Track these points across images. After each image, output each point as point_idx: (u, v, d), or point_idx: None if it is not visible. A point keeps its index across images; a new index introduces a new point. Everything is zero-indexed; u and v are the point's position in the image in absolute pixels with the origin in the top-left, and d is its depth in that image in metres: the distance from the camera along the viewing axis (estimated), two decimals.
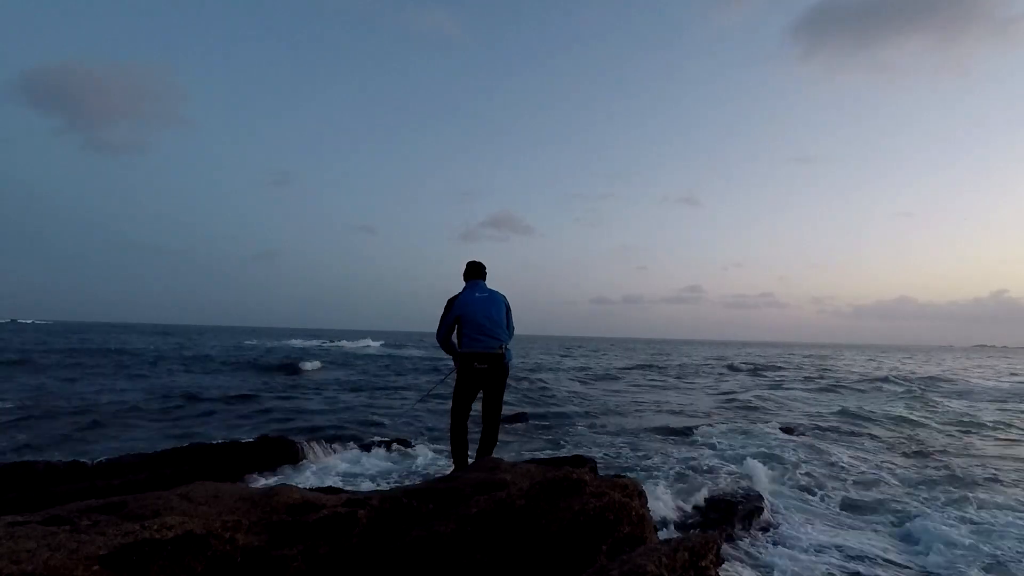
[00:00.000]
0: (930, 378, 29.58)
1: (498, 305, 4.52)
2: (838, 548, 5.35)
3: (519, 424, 12.59)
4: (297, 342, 57.36)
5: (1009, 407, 17.69)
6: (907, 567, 5.05)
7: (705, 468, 8.52)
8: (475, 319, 4.38)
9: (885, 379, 27.55)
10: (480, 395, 4.52)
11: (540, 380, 23.32)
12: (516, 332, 4.67)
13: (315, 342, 54.69)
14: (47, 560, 1.82)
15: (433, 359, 35.69)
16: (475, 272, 4.69)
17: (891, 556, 5.26)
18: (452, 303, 4.50)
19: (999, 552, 5.37)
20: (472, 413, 4.51)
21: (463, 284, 4.70)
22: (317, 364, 28.48)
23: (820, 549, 5.35)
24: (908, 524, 6.10)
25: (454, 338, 4.55)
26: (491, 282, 4.70)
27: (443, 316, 4.51)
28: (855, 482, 7.97)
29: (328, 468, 7.89)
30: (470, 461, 4.39)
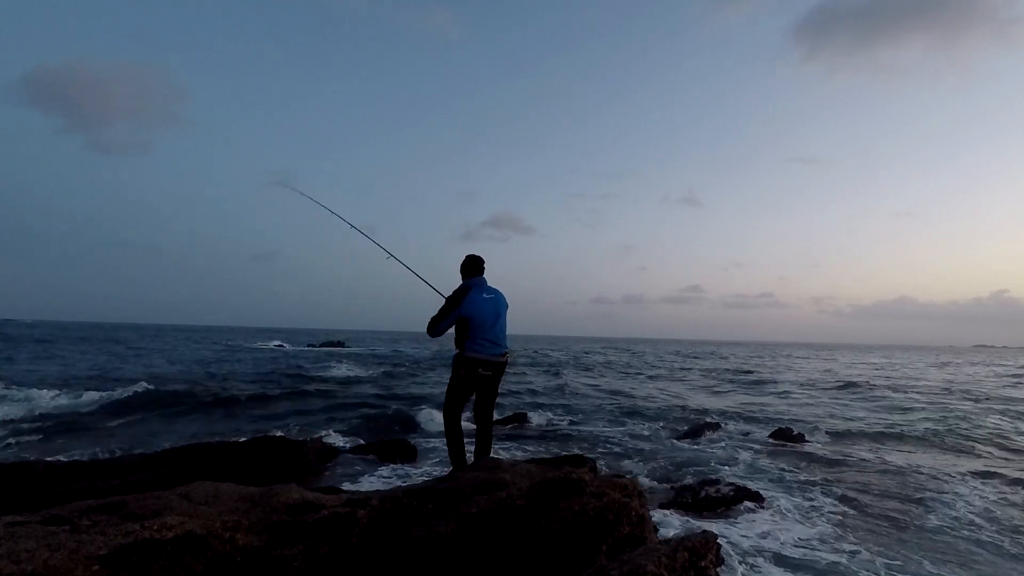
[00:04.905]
0: None
1: (502, 308, 4.39)
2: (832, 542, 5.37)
3: (519, 424, 12.59)
4: (299, 348, 57.18)
5: None
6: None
7: (707, 467, 8.52)
8: (484, 323, 4.21)
9: None
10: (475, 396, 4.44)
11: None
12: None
13: (306, 346, 54.54)
14: (47, 560, 1.82)
15: (418, 357, 35.70)
16: (476, 268, 4.46)
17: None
18: (458, 300, 4.25)
19: None
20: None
21: (460, 280, 4.46)
22: (322, 366, 28.46)
23: (813, 544, 5.35)
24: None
25: (451, 334, 4.41)
26: (491, 282, 4.57)
27: (445, 311, 4.26)
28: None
29: (328, 468, 7.89)
30: (468, 459, 4.36)
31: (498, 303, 4.38)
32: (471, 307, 4.22)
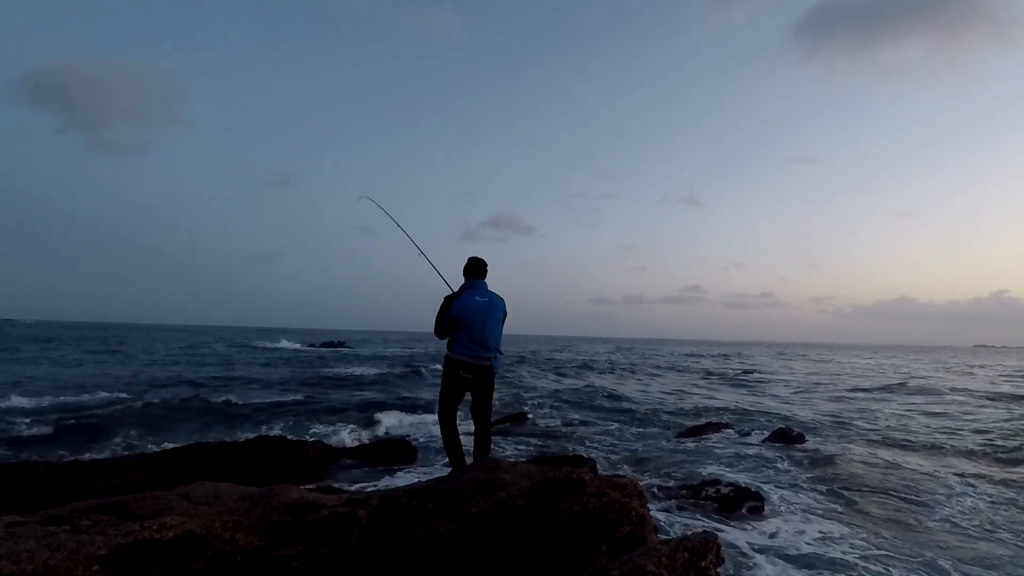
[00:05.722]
0: None
1: (496, 312, 4.39)
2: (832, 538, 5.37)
3: (519, 423, 12.58)
4: (297, 345, 57.12)
5: None
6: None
7: (708, 467, 8.52)
8: (471, 326, 4.26)
9: None
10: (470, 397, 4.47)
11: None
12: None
13: (307, 346, 54.44)
14: (47, 560, 1.82)
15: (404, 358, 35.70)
16: (476, 270, 4.52)
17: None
18: (450, 302, 4.35)
19: None
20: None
21: (462, 281, 4.55)
22: (322, 367, 28.47)
23: (814, 542, 5.35)
24: None
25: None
26: (492, 283, 4.60)
27: (440, 315, 4.37)
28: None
29: (328, 468, 7.89)
30: (467, 461, 4.38)
31: (492, 307, 4.38)
32: (460, 309, 4.30)
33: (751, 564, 4.92)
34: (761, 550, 5.25)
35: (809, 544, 5.48)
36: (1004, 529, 6.13)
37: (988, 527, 6.19)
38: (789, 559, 5.08)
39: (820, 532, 5.82)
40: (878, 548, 5.41)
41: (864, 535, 5.78)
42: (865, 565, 5.00)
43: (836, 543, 5.52)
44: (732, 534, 5.61)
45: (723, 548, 4.85)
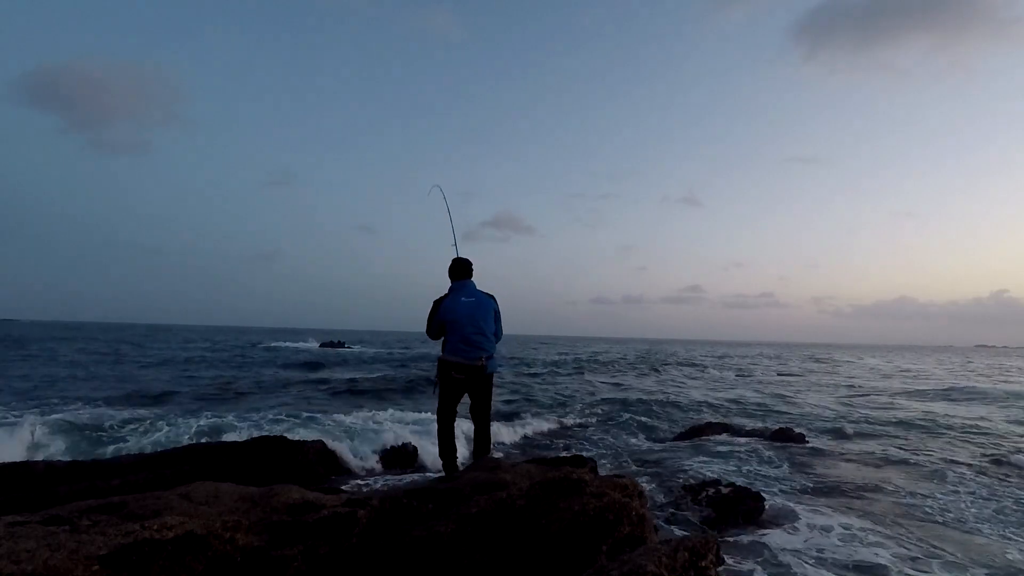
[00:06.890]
0: None
1: (485, 310, 4.36)
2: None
3: (519, 423, 12.58)
4: (306, 344, 57.10)
5: None
6: None
7: (708, 467, 8.52)
8: (460, 328, 4.25)
9: None
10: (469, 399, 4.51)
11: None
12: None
13: (310, 344, 54.45)
14: (47, 560, 1.82)
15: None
16: (462, 271, 4.50)
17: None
18: (437, 306, 4.37)
19: None
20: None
21: (451, 283, 4.56)
22: (321, 367, 28.47)
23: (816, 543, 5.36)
24: None
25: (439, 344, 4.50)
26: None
27: (429, 318, 4.43)
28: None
29: (328, 468, 7.89)
30: (460, 467, 4.39)
31: (480, 306, 4.35)
32: (446, 312, 4.32)
33: (750, 563, 4.92)
34: (759, 550, 5.25)
35: (808, 543, 5.48)
36: (1009, 530, 6.12)
37: (998, 528, 6.18)
38: (789, 558, 5.09)
39: (819, 531, 5.83)
40: (878, 544, 5.41)
41: (862, 533, 5.77)
42: (864, 564, 5.01)
43: (834, 542, 5.52)
44: (732, 534, 5.61)
45: (722, 548, 4.86)
